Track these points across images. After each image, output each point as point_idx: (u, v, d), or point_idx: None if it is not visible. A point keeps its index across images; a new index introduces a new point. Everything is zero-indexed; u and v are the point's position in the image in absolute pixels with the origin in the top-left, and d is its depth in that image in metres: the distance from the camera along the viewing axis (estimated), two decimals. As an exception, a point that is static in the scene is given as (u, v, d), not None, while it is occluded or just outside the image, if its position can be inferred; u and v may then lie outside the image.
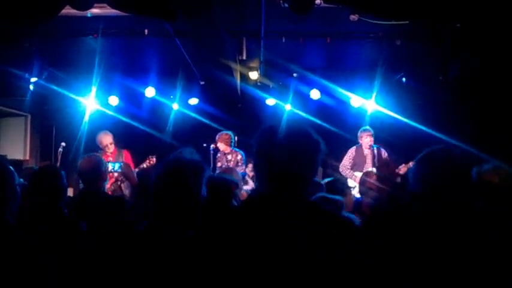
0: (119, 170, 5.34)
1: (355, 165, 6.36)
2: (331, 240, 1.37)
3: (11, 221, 1.74)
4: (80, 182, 3.98)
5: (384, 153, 6.34)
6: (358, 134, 6.39)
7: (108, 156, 5.72)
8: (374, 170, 6.02)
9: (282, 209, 1.42)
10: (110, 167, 5.22)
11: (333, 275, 1.35)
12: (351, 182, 6.15)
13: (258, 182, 1.54)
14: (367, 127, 6.43)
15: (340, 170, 6.44)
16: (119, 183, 5.40)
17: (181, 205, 1.79)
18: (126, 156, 5.91)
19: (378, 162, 6.22)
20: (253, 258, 1.37)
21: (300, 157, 1.44)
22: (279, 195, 1.44)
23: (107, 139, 5.79)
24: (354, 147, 6.44)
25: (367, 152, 6.32)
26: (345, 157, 6.44)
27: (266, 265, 1.35)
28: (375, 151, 6.27)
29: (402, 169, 6.13)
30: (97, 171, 3.07)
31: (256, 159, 1.52)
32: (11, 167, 1.84)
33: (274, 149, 1.44)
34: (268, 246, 1.37)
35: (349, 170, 6.35)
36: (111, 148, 5.82)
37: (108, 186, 5.25)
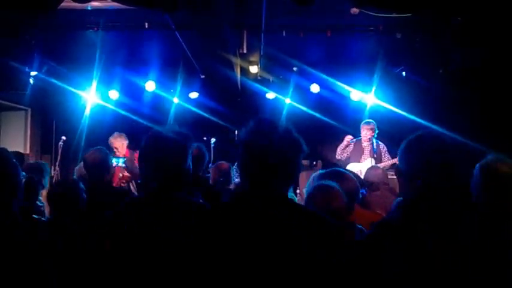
0: (123, 165, 5.34)
1: (351, 157, 6.31)
2: (314, 239, 1.40)
3: (18, 216, 1.73)
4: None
5: (383, 148, 6.32)
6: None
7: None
8: (373, 161, 6.02)
9: (270, 206, 1.45)
10: (115, 162, 5.21)
11: (316, 273, 1.36)
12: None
13: (245, 178, 1.52)
14: (368, 120, 6.34)
15: (336, 154, 6.41)
16: (124, 181, 5.37)
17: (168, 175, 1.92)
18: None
19: (376, 155, 6.21)
20: (241, 256, 1.39)
21: (288, 156, 1.47)
22: (267, 193, 1.46)
23: (114, 142, 5.61)
24: (355, 139, 6.39)
25: (365, 144, 6.29)
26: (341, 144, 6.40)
27: (252, 261, 1.38)
28: (374, 145, 6.24)
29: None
30: (104, 164, 3.07)
31: (245, 156, 1.51)
32: (14, 160, 1.82)
33: (267, 148, 1.45)
34: (257, 244, 1.39)
35: (342, 150, 6.30)
36: (120, 150, 5.63)
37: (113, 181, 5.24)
